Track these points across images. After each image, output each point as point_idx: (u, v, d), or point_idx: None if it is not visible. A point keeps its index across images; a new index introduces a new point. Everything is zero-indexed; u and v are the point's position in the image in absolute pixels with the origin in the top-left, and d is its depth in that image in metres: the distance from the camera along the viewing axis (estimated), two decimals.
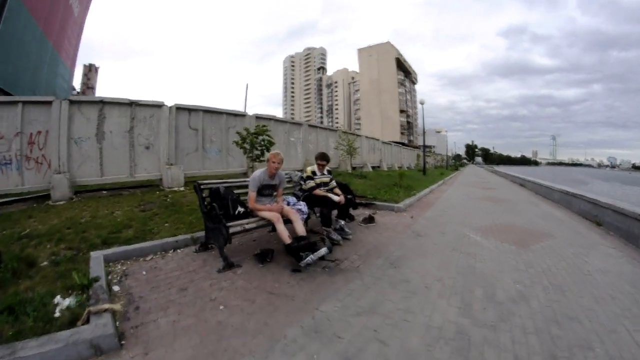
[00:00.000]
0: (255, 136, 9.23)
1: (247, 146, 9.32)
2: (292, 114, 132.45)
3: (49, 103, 7.85)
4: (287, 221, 4.37)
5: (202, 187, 4.60)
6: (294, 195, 5.67)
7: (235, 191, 4.73)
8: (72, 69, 21.43)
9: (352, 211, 6.36)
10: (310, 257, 3.83)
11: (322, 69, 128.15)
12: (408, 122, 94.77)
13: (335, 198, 5.30)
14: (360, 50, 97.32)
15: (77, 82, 37.13)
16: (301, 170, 5.64)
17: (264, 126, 9.58)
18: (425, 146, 34.10)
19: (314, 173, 5.58)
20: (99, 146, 8.53)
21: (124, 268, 3.84)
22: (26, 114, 7.66)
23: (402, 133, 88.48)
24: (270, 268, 4.10)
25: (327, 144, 16.99)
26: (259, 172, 4.49)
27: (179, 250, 4.63)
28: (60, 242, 4.36)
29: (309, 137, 15.23)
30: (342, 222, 5.60)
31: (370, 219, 6.58)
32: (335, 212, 5.48)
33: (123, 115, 8.85)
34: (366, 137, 22.84)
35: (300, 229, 4.18)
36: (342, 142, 16.36)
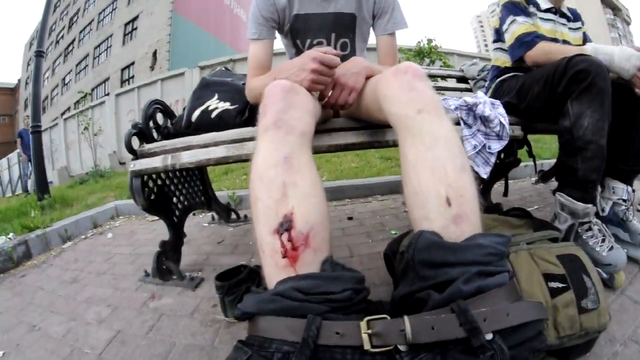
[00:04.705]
0: (421, 57, 5.26)
1: None
2: None
3: (182, 74, 7.79)
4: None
5: None
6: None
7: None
8: None
9: None
10: None
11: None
12: None
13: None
14: None
15: None
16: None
17: (430, 41, 5.51)
18: None
19: None
20: None
21: (116, 224, 2.43)
22: (165, 87, 7.94)
23: None
24: None
25: None
26: None
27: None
28: (117, 190, 3.63)
29: None
30: (628, 190, 1.16)
31: None
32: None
33: None
34: None
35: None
36: None
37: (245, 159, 0.88)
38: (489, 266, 0.48)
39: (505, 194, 1.65)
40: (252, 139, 0.88)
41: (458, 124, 1.08)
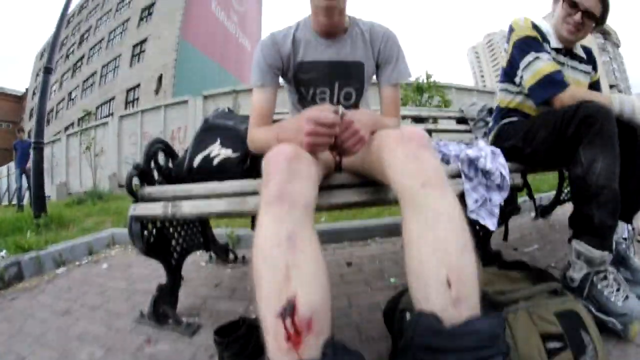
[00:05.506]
0: (419, 92, 5.28)
1: None
2: None
3: (186, 102, 7.93)
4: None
5: None
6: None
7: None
8: None
9: None
10: None
11: None
12: None
13: None
14: (545, 19, 77.00)
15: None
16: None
17: (430, 77, 5.42)
18: None
19: (542, 35, 1.26)
20: None
21: (112, 254, 2.38)
22: (168, 114, 8.06)
23: None
24: None
25: None
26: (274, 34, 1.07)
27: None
28: (115, 216, 3.57)
29: None
30: (628, 228, 1.17)
31: None
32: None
33: None
34: None
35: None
36: None
37: (247, 214, 0.87)
38: (484, 351, 0.51)
39: (505, 238, 1.65)
40: (253, 193, 0.88)
41: (459, 175, 1.08)
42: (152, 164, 1.24)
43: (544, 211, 2.49)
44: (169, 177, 1.24)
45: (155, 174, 1.25)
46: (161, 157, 1.33)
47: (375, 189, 0.88)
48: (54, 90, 22.07)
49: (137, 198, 1.12)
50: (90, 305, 1.39)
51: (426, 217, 0.59)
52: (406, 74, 1.10)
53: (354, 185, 0.90)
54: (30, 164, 5.67)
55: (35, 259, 1.87)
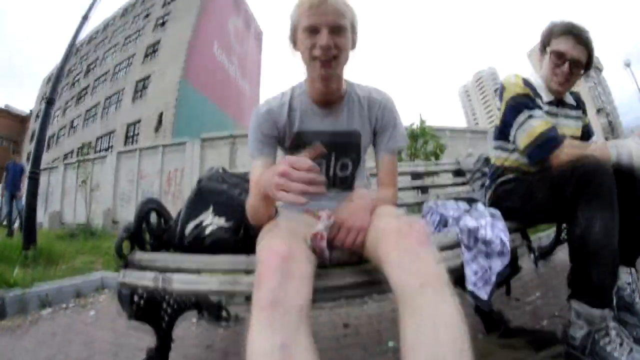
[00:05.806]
0: (414, 139, 5.16)
1: None
2: None
3: (184, 144, 8.07)
4: None
5: None
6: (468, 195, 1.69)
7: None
8: None
9: None
10: None
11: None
12: (609, 122, 67.90)
13: None
14: (530, 55, 78.82)
15: None
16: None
17: (423, 123, 5.36)
18: None
19: (533, 90, 1.26)
20: None
21: (100, 300, 2.25)
22: (166, 155, 8.18)
23: (606, 138, 64.15)
24: None
25: None
26: (271, 99, 1.06)
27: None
28: (106, 257, 3.50)
29: None
30: (632, 273, 1.14)
31: None
32: None
33: None
34: None
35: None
36: None
37: (240, 294, 0.83)
38: None
39: (508, 293, 1.64)
40: (246, 271, 0.84)
41: (458, 245, 1.05)
42: (144, 225, 1.20)
43: (544, 254, 2.44)
44: (160, 240, 1.21)
45: (147, 236, 1.20)
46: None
47: (372, 268, 0.84)
48: (57, 116, 22.23)
49: (127, 262, 1.07)
50: (75, 358, 1.34)
51: (424, 322, 0.58)
52: (403, 142, 1.10)
53: (349, 264, 0.86)
54: (22, 192, 5.51)
55: (20, 297, 1.82)
